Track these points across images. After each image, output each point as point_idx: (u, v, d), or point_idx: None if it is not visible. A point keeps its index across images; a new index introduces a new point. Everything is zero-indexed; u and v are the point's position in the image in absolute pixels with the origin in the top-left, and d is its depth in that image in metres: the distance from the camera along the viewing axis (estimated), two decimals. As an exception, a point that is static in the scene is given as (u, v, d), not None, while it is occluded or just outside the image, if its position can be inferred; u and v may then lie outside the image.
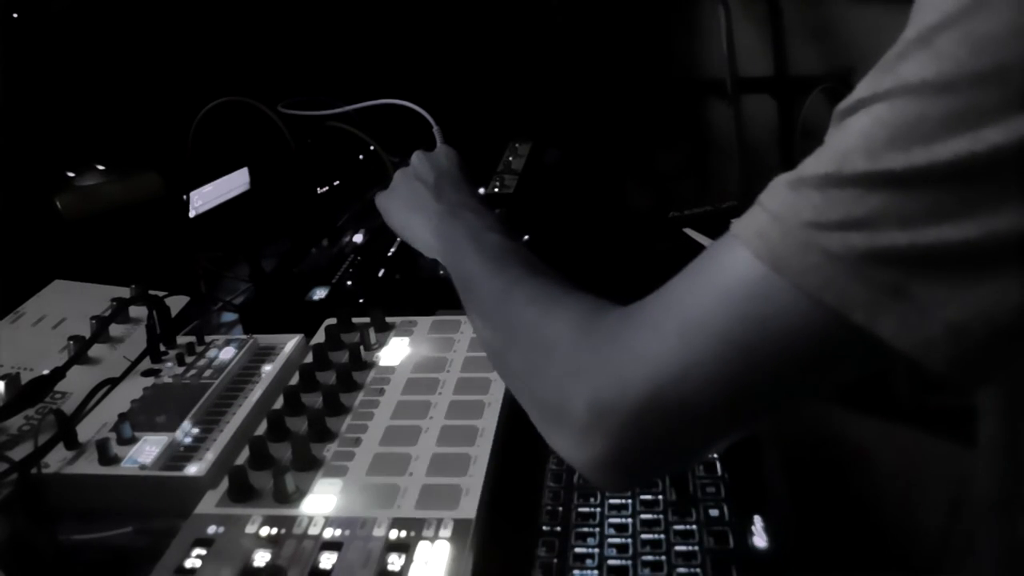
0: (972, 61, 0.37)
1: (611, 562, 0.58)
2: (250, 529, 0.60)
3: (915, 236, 0.38)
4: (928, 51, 0.38)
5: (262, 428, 0.71)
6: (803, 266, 0.41)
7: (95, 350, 0.85)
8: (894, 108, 0.39)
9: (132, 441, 0.70)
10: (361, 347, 0.81)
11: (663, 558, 0.58)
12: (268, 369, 0.80)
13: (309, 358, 0.81)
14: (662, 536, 0.60)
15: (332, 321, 0.86)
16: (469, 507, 0.60)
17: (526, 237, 0.72)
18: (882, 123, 0.39)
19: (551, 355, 0.52)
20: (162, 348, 0.84)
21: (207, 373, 0.79)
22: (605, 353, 0.48)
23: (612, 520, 0.62)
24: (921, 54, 0.39)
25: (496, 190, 1.25)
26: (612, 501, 0.63)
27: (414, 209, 0.78)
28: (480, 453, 0.66)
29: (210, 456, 0.68)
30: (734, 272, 0.44)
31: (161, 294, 0.87)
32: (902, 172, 0.38)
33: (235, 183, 1.26)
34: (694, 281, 0.47)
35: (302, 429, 0.70)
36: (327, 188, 1.31)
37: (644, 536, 0.60)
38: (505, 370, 0.58)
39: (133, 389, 0.77)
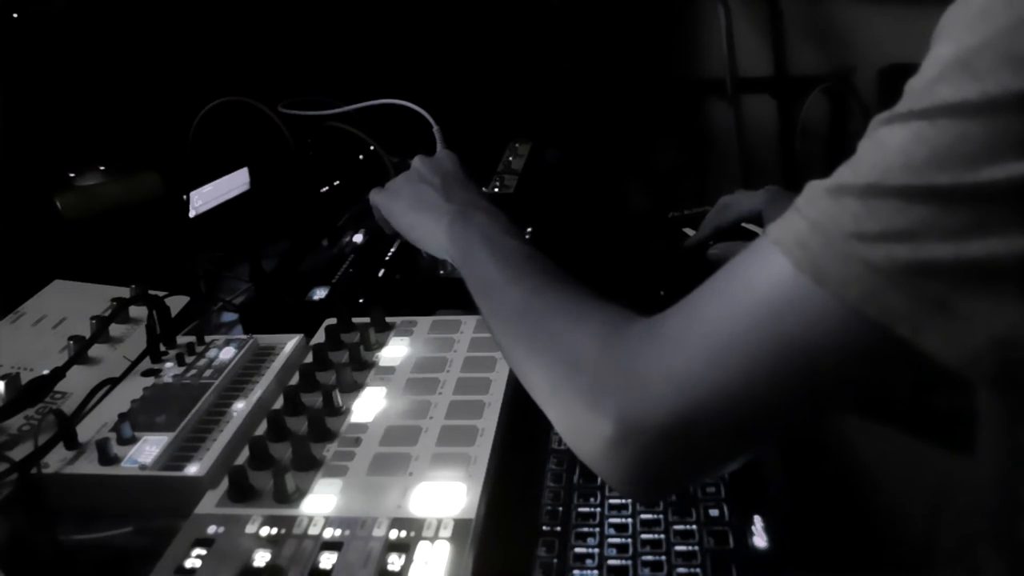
0: (1016, 82, 0.37)
1: (611, 562, 0.58)
2: (250, 529, 0.60)
3: (960, 249, 0.38)
4: (968, 72, 0.38)
5: (262, 428, 0.71)
6: (845, 277, 0.40)
7: (95, 350, 0.85)
8: (935, 127, 0.39)
9: (132, 441, 0.70)
10: (361, 347, 0.81)
11: (663, 558, 0.58)
12: (268, 369, 0.80)
13: (309, 358, 0.81)
14: (662, 536, 0.60)
15: (332, 321, 0.86)
16: (469, 507, 0.60)
17: (522, 232, 0.72)
18: (921, 140, 0.39)
19: (576, 370, 0.51)
20: (162, 348, 0.84)
21: (207, 373, 0.79)
22: (631, 369, 0.48)
23: (612, 520, 0.62)
24: (961, 75, 0.39)
25: (496, 190, 1.25)
26: (612, 501, 0.63)
27: (422, 209, 0.77)
28: (480, 453, 0.66)
29: (210, 456, 0.68)
30: (771, 283, 0.43)
31: (161, 294, 0.87)
32: (947, 188, 0.38)
33: (235, 183, 1.26)
34: (725, 292, 0.46)
35: (302, 429, 0.70)
36: (327, 188, 1.31)
37: (644, 536, 0.60)
38: (527, 381, 0.57)
39: (133, 389, 0.77)
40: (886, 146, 0.41)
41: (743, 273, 0.46)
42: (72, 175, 1.09)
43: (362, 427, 0.71)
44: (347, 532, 0.59)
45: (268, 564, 0.57)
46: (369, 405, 0.74)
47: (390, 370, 0.79)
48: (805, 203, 0.43)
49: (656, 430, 0.46)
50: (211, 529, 0.60)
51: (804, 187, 0.44)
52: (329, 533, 0.59)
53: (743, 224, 0.94)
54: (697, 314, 0.47)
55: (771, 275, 0.43)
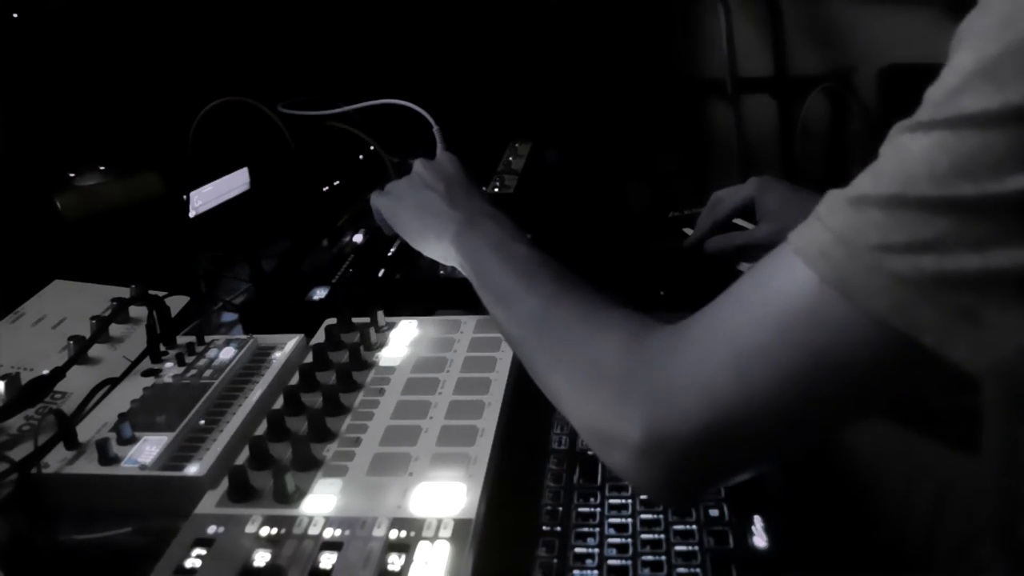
0: None
1: (611, 562, 0.58)
2: (250, 529, 0.60)
3: (986, 260, 0.38)
4: (991, 82, 0.38)
5: (262, 428, 0.71)
6: (871, 289, 0.40)
7: (95, 350, 0.85)
8: (958, 136, 0.39)
9: (132, 441, 0.70)
10: (361, 347, 0.81)
11: (663, 558, 0.58)
12: (268, 369, 0.80)
13: (309, 358, 0.81)
14: (662, 536, 0.60)
15: (332, 321, 0.86)
16: (469, 507, 0.60)
17: (528, 236, 0.72)
18: (945, 150, 0.39)
19: (600, 379, 0.51)
20: (162, 348, 0.84)
21: (207, 373, 0.79)
22: (657, 378, 0.48)
23: (612, 520, 0.62)
24: (984, 85, 0.38)
25: (496, 190, 1.25)
26: (612, 501, 0.63)
27: (428, 217, 0.76)
28: (480, 453, 0.66)
29: (210, 456, 0.68)
30: (795, 294, 0.43)
31: (161, 294, 0.87)
32: (971, 199, 0.38)
33: (235, 183, 1.26)
34: (749, 302, 0.46)
35: (302, 429, 0.70)
36: (327, 188, 1.31)
37: (644, 536, 0.60)
38: (549, 390, 0.57)
39: (133, 389, 0.77)
40: (908, 156, 0.40)
41: (766, 282, 0.46)
42: (72, 175, 1.09)
43: (362, 427, 0.71)
44: (347, 532, 0.59)
45: (268, 564, 0.57)
46: (370, 404, 0.74)
47: (390, 370, 0.79)
48: (827, 213, 0.43)
49: (684, 439, 0.46)
50: (211, 529, 0.60)
51: (825, 195, 0.44)
52: (329, 533, 0.59)
53: (735, 221, 0.95)
54: (721, 323, 0.47)
55: (795, 285, 0.43)
